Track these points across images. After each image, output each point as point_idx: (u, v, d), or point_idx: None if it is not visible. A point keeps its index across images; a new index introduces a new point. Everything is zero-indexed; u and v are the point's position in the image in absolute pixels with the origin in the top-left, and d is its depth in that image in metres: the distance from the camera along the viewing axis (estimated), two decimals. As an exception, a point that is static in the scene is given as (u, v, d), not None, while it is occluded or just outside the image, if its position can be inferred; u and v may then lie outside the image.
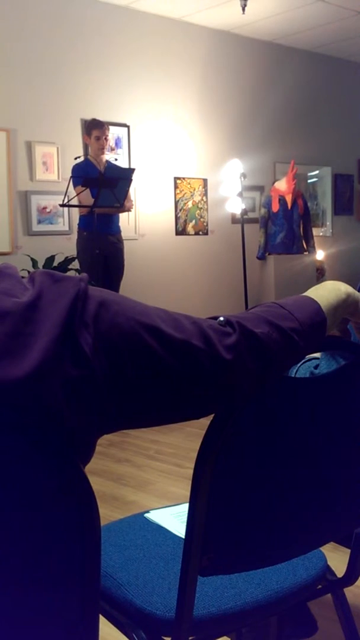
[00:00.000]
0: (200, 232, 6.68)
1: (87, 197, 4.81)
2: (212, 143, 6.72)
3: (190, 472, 0.97)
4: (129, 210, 5.23)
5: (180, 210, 6.50)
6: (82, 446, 0.77)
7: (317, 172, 7.87)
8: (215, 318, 0.88)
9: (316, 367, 1.54)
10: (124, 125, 6.02)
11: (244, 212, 6.45)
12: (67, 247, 5.44)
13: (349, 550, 1.37)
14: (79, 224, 5.17)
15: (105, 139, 5.07)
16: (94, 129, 5.05)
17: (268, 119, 7.15)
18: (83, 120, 5.72)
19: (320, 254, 7.33)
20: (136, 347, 0.78)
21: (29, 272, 0.87)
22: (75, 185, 4.87)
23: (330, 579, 1.37)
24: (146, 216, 6.20)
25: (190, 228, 6.59)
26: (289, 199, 6.45)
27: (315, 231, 7.27)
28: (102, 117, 5.30)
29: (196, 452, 0.96)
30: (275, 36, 6.96)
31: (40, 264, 5.12)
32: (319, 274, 7.06)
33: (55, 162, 5.60)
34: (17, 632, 0.75)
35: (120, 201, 4.76)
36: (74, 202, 4.92)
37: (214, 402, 0.89)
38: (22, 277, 0.80)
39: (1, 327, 0.71)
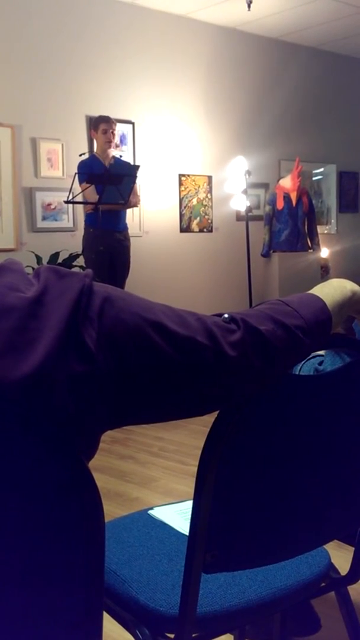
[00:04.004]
0: (205, 230, 6.67)
1: (93, 194, 4.80)
2: (216, 140, 6.71)
3: (194, 469, 0.97)
4: (135, 205, 5.23)
5: (184, 207, 6.49)
6: (87, 442, 0.77)
7: (322, 169, 7.85)
8: (220, 315, 0.88)
9: (320, 363, 1.54)
10: (129, 122, 6.01)
11: (249, 209, 6.44)
12: (72, 243, 5.44)
13: (352, 548, 1.36)
14: (85, 221, 5.17)
15: (112, 132, 5.08)
16: (102, 122, 5.05)
17: (273, 116, 7.13)
18: (88, 117, 5.72)
19: (324, 252, 7.31)
20: (140, 342, 0.78)
21: (33, 268, 0.87)
22: (81, 182, 4.87)
23: (334, 577, 1.37)
24: (150, 213, 6.19)
25: (194, 225, 6.59)
26: (293, 196, 6.44)
27: (320, 229, 7.25)
28: (107, 114, 5.29)
29: (200, 449, 0.96)
30: (280, 33, 6.94)
31: (45, 261, 5.12)
32: (324, 272, 7.04)
33: (60, 159, 5.60)
34: (21, 628, 0.76)
35: (125, 198, 4.76)
36: (79, 198, 4.92)
37: (218, 398, 0.89)
38: (28, 273, 0.80)
39: (6, 322, 0.71)
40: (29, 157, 5.47)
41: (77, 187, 4.82)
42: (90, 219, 5.04)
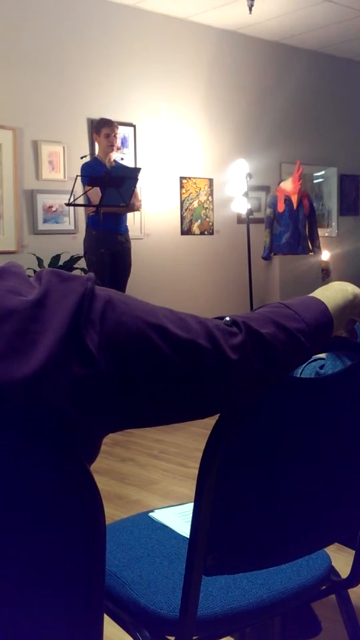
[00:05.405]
0: (206, 232, 6.68)
1: (98, 196, 4.80)
2: (218, 143, 6.71)
3: (195, 471, 0.97)
4: (137, 209, 5.23)
5: (185, 209, 6.50)
6: (88, 445, 0.77)
7: (322, 172, 7.85)
8: (221, 318, 0.88)
9: (321, 367, 1.54)
10: (130, 124, 6.02)
11: (250, 212, 6.44)
12: (73, 246, 5.45)
13: (353, 552, 1.36)
14: (87, 223, 5.17)
15: (115, 136, 5.09)
16: (104, 127, 5.07)
17: (274, 119, 7.14)
18: (89, 120, 5.73)
19: (325, 255, 7.31)
20: (142, 346, 0.78)
21: (34, 271, 0.87)
22: (84, 184, 4.88)
23: (335, 580, 1.37)
24: (152, 216, 6.20)
25: (195, 228, 6.59)
26: (294, 199, 6.44)
27: (321, 231, 7.26)
28: (108, 117, 5.30)
29: (201, 451, 0.96)
30: (281, 36, 6.95)
31: (46, 263, 5.12)
32: (324, 275, 7.05)
33: (61, 161, 5.61)
34: (22, 630, 0.76)
35: (126, 200, 4.76)
36: (80, 201, 4.93)
37: (220, 401, 0.89)
38: (29, 276, 0.80)
39: (8, 325, 0.71)
40: (30, 160, 5.47)
41: (78, 190, 4.82)
42: (92, 221, 5.05)
